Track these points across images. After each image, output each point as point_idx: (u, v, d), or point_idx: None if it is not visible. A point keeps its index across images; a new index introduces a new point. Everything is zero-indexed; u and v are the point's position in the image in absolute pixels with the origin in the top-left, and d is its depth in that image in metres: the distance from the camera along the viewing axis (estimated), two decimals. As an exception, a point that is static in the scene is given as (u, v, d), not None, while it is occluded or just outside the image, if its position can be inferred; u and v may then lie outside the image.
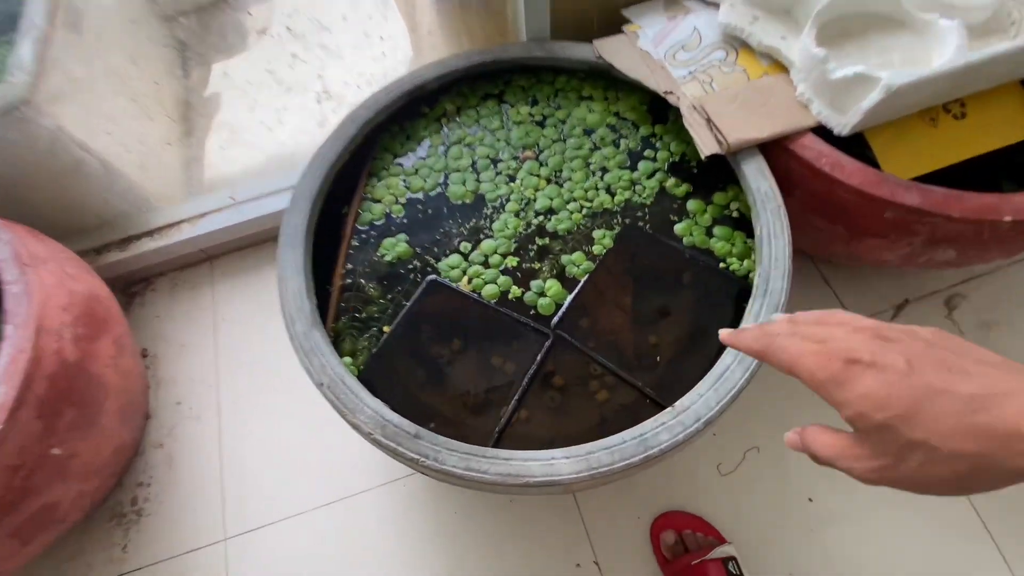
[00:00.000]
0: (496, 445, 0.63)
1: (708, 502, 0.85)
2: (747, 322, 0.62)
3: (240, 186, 1.13)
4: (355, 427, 0.60)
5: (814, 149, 0.73)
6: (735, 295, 0.70)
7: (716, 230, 0.75)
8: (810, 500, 0.84)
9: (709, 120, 0.75)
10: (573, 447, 0.57)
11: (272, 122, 1.27)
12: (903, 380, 0.24)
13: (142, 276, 1.17)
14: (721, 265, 0.72)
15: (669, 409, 0.58)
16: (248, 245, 1.18)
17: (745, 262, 0.72)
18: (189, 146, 1.25)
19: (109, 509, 0.94)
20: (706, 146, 0.74)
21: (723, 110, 0.76)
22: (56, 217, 1.02)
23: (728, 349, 0.61)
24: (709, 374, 0.60)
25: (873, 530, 0.81)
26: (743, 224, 0.75)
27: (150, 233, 1.10)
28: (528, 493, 0.57)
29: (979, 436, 0.22)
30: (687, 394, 0.59)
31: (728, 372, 0.59)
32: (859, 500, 0.84)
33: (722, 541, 0.78)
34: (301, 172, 0.79)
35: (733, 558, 0.76)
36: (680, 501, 0.85)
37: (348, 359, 0.69)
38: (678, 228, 0.75)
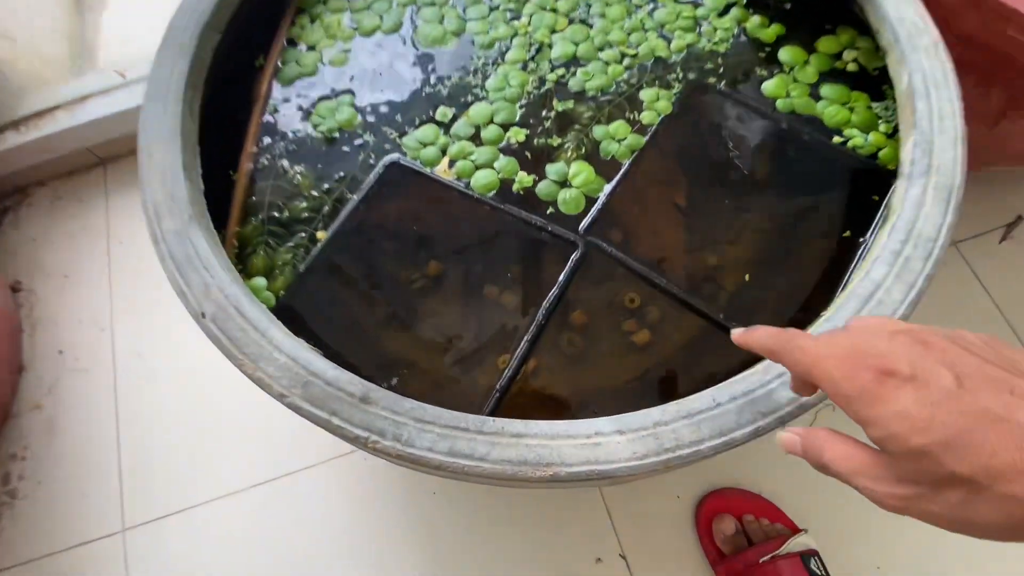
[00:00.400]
0: (495, 412, 0.40)
1: (767, 475, 0.65)
2: (903, 214, 0.39)
3: (136, 59, 0.82)
4: (259, 383, 0.35)
5: (981, -37, 0.48)
6: (860, 183, 0.46)
7: (825, 90, 0.49)
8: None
9: (826, -88, 0.49)
10: (627, 415, 0.34)
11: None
12: (950, 400, 0.20)
13: (13, 186, 0.88)
14: (836, 140, 0.48)
15: (788, 352, 0.35)
16: (154, 146, 0.88)
17: (871, 135, 0.47)
18: (76, 4, 0.92)
19: (-33, 491, 0.70)
20: (821, -48, 0.48)
21: (847, -103, 0.49)
22: None
23: (876, 256, 0.38)
24: (848, 295, 0.37)
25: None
26: (864, 82, 0.50)
27: (15, 124, 0.80)
28: (556, 487, 0.34)
29: None
30: (815, 325, 0.36)
31: (880, 291, 0.36)
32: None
33: (795, 530, 0.58)
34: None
35: (814, 552, 0.56)
36: (732, 476, 0.65)
37: (259, 280, 0.44)
38: (768, 87, 0.50)
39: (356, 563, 0.64)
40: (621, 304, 0.45)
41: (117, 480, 0.69)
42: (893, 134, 0.47)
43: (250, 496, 0.66)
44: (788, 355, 0.25)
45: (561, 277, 0.44)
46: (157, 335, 0.76)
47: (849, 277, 0.42)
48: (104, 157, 0.88)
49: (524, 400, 0.42)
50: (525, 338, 0.42)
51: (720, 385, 0.34)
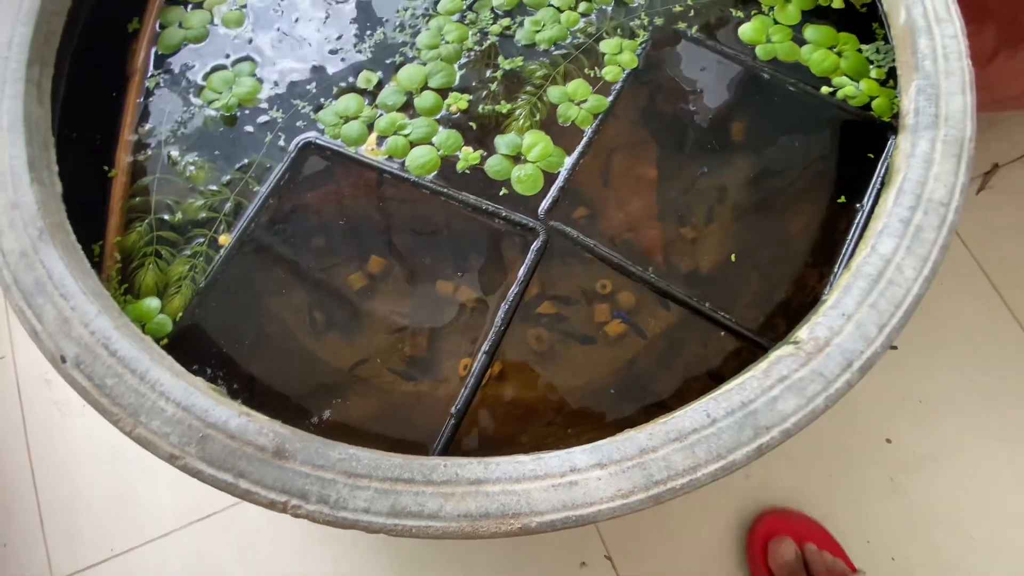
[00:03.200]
0: (456, 432, 0.34)
1: (804, 485, 0.61)
2: (909, 174, 0.33)
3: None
4: (142, 443, 0.28)
5: None
6: (854, 138, 0.40)
7: (809, 32, 0.43)
8: (888, 441, 0.63)
9: None
10: (607, 442, 0.28)
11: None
12: None
13: None
14: (824, 90, 0.41)
15: (790, 347, 0.30)
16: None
17: (864, 83, 0.41)
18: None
19: None
20: None
21: None
22: None
23: (881, 227, 0.32)
24: (853, 275, 0.31)
25: (971, 474, 0.61)
26: (852, 21, 0.44)
27: None
28: (531, 534, 0.28)
29: None
30: (816, 315, 0.31)
31: (892, 270, 0.31)
32: (950, 436, 0.62)
33: (854, 570, 0.54)
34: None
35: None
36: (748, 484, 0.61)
37: (151, 302, 0.36)
38: (745, 31, 0.43)
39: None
40: (592, 292, 0.39)
41: (39, 527, 0.61)
42: (886, 81, 0.41)
43: (189, 534, 0.59)
44: None
45: (521, 272, 0.37)
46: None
47: (848, 250, 0.36)
48: None
49: (490, 411, 0.36)
50: (483, 346, 0.36)
51: (714, 395, 0.29)
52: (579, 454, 0.27)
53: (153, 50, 0.43)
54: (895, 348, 0.67)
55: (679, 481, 0.27)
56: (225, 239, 0.38)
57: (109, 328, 0.29)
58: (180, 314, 0.36)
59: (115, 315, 0.31)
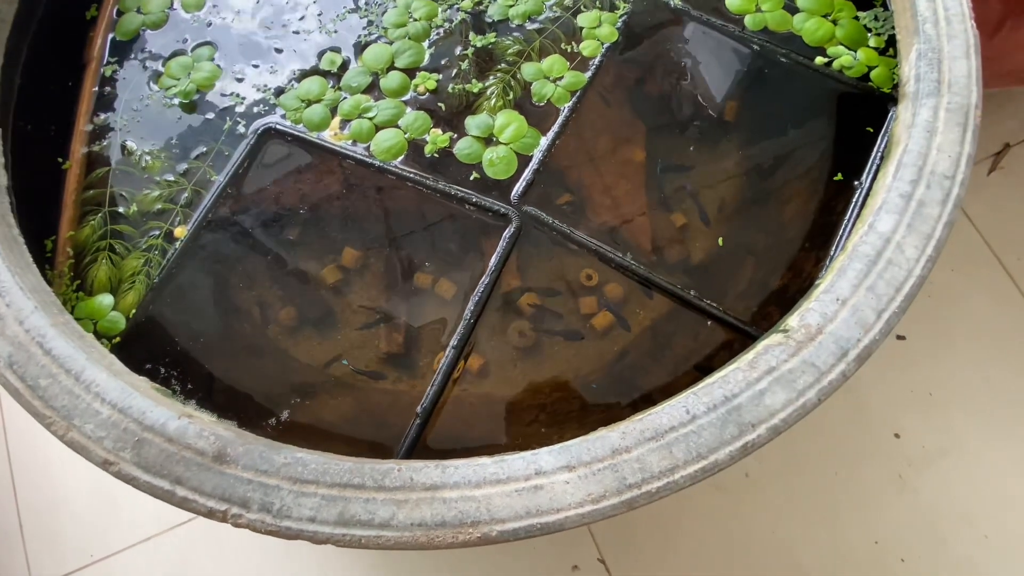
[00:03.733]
0: (421, 435, 0.31)
1: (759, 457, 0.58)
2: (910, 145, 0.30)
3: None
4: (74, 447, 0.26)
5: None
6: (851, 112, 0.37)
7: (802, 0, 0.40)
8: (896, 436, 0.59)
9: None
10: (577, 442, 0.26)
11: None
12: None
13: None
14: (819, 60, 0.39)
15: (780, 336, 0.27)
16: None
17: (861, 52, 0.38)
18: None
19: None
20: None
21: None
22: None
23: (880, 203, 0.29)
24: (849, 257, 0.28)
25: (983, 469, 0.58)
26: (848, -14, 0.41)
27: None
28: (491, 543, 0.26)
29: None
30: (808, 300, 0.28)
31: (892, 249, 0.28)
32: (962, 430, 0.59)
33: None
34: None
35: None
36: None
37: (104, 298, 0.34)
38: (733, 1, 0.40)
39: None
40: (577, 282, 0.36)
41: (19, 535, 0.59)
42: (886, 50, 0.38)
43: (171, 538, 0.57)
44: None
45: (492, 261, 0.35)
46: (47, 360, 0.65)
47: (846, 231, 0.33)
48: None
49: (466, 410, 0.34)
50: (452, 341, 0.34)
51: (695, 389, 0.26)
52: (546, 455, 0.25)
53: (110, 36, 0.41)
54: (903, 338, 0.64)
55: (654, 484, 0.24)
56: (181, 231, 0.36)
57: (46, 325, 0.27)
58: (133, 311, 0.34)
59: (54, 312, 0.29)
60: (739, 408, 0.25)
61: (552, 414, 0.35)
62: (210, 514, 0.24)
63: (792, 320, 0.28)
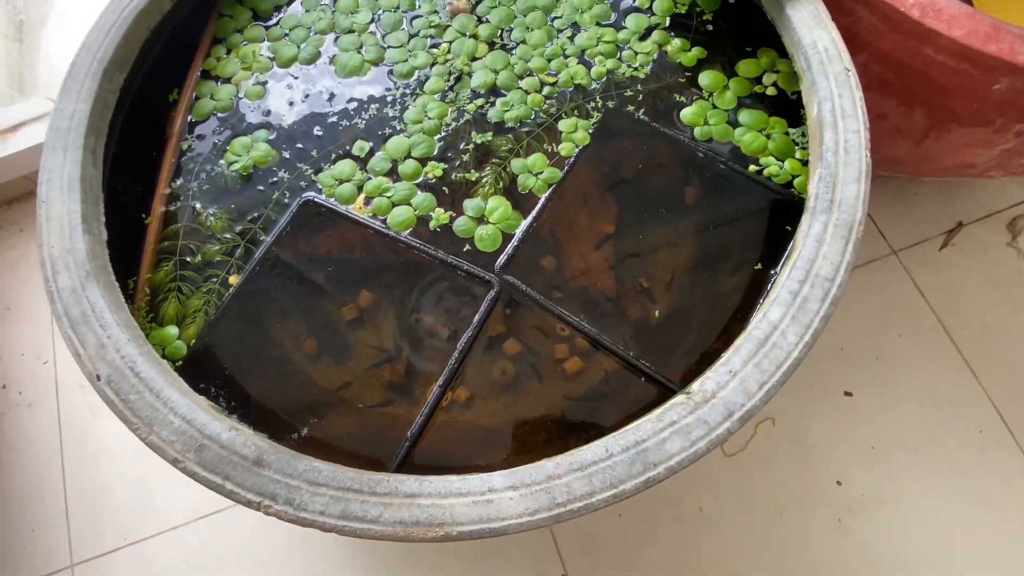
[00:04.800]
0: (409, 455, 0.40)
1: (709, 488, 0.65)
2: (803, 252, 0.39)
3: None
4: (153, 448, 0.35)
5: (897, -15, 0.47)
6: (775, 213, 0.46)
7: (744, 116, 0.49)
8: (839, 483, 0.66)
9: (739, -65, 0.48)
10: (523, 468, 0.34)
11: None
12: None
13: (-51, 215, 0.85)
14: (752, 168, 0.47)
15: (682, 396, 0.35)
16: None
17: (788, 163, 0.47)
18: (15, 29, 0.89)
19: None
20: (734, -23, 0.47)
21: (761, -81, 0.48)
22: None
23: (775, 297, 0.38)
24: (745, 337, 0.37)
25: (920, 518, 0.64)
26: (783, 106, 0.50)
27: (-64, 152, 0.78)
28: (452, 541, 0.35)
29: None
30: (710, 370, 0.36)
31: (776, 334, 0.36)
32: (901, 481, 0.65)
33: None
34: (88, 29, 0.48)
35: None
36: (675, 493, 0.66)
37: (171, 329, 0.43)
38: (687, 114, 0.50)
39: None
40: (555, 333, 0.45)
41: (64, 515, 0.69)
42: (808, 162, 0.47)
43: (196, 528, 0.66)
44: None
45: (476, 317, 0.44)
46: (100, 366, 0.75)
47: (754, 314, 0.42)
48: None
49: (454, 431, 0.43)
50: (439, 380, 0.42)
51: (615, 434, 0.35)
52: (498, 477, 0.34)
53: (188, 117, 0.52)
54: (850, 395, 0.71)
55: (576, 504, 0.33)
56: (235, 279, 0.45)
57: (135, 354, 0.37)
58: (193, 340, 0.43)
59: (140, 343, 0.38)
60: (646, 451, 0.34)
61: (522, 443, 0.43)
62: (248, 504, 0.33)
63: (695, 384, 0.36)
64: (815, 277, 0.38)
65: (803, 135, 0.48)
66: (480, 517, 0.32)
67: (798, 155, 0.47)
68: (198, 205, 0.48)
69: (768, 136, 0.48)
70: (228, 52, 0.54)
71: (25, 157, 0.80)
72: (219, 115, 0.52)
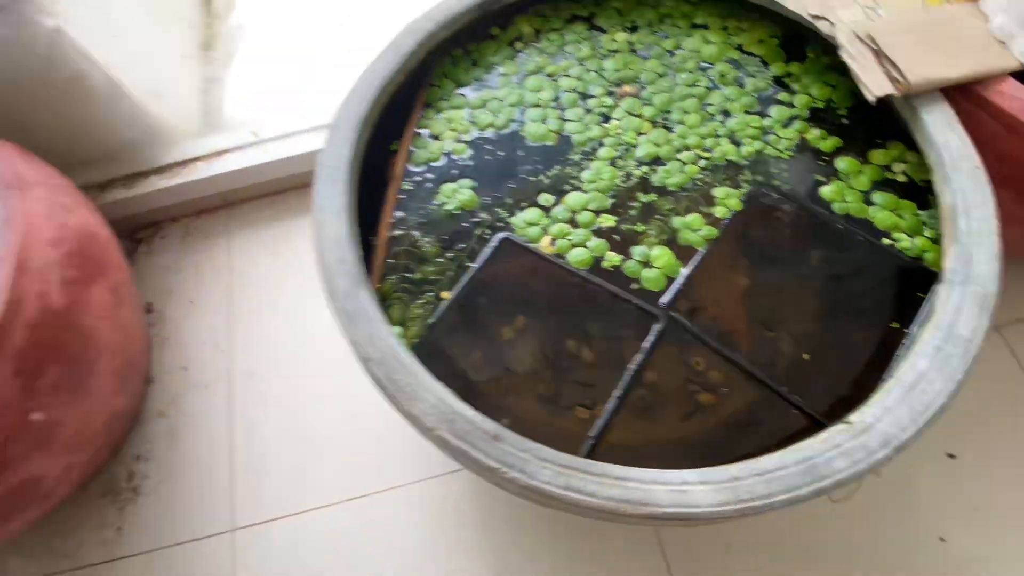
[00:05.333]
0: (589, 457, 0.48)
1: (814, 536, 0.70)
2: (943, 315, 0.46)
3: (265, 122, 0.97)
4: (411, 419, 0.45)
5: (1017, 98, 0.56)
6: (906, 280, 0.54)
7: (876, 197, 0.58)
8: (942, 540, 0.69)
9: (879, 53, 0.58)
10: (709, 469, 0.42)
11: (311, 47, 1.10)
12: None
13: (150, 220, 1.03)
14: (885, 241, 0.56)
15: (844, 426, 0.43)
16: (271, 192, 1.03)
17: (918, 239, 0.55)
18: (209, 65, 1.10)
19: (103, 483, 0.81)
20: (875, 86, 0.57)
21: (898, 41, 0.58)
22: (53, 143, 0.87)
23: (919, 350, 0.45)
24: (895, 382, 0.44)
25: (1023, 582, 0.66)
26: (912, 191, 0.58)
27: (160, 170, 0.95)
28: (646, 524, 0.42)
29: None
30: (866, 405, 0.44)
31: (923, 381, 0.43)
32: (999, 542, 0.68)
33: None
34: (347, 92, 0.63)
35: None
36: (779, 531, 0.70)
37: (397, 329, 0.54)
38: (825, 191, 0.59)
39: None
40: (690, 367, 0.53)
41: (228, 484, 0.79)
42: (938, 239, 0.55)
43: (349, 507, 0.75)
44: None
45: (645, 343, 0.53)
46: (268, 359, 0.88)
47: (893, 364, 0.49)
48: (230, 202, 1.02)
49: (611, 446, 0.50)
50: (614, 394, 0.51)
51: (786, 450, 0.42)
52: (690, 473, 0.41)
53: (406, 164, 0.65)
54: (953, 457, 0.74)
55: (759, 503, 0.40)
56: (446, 295, 0.56)
57: (395, 344, 0.48)
58: (415, 340, 0.54)
59: (396, 335, 0.49)
60: (815, 465, 0.41)
61: (673, 461, 0.50)
62: (488, 470, 0.42)
63: (854, 417, 0.43)
64: (955, 336, 0.45)
65: (932, 217, 0.56)
66: (678, 502, 0.40)
67: (927, 233, 0.55)
68: (416, 234, 0.60)
69: (899, 215, 0.56)
70: (437, 114, 0.68)
71: (221, 179, 0.96)
72: (431, 164, 0.65)
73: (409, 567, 0.73)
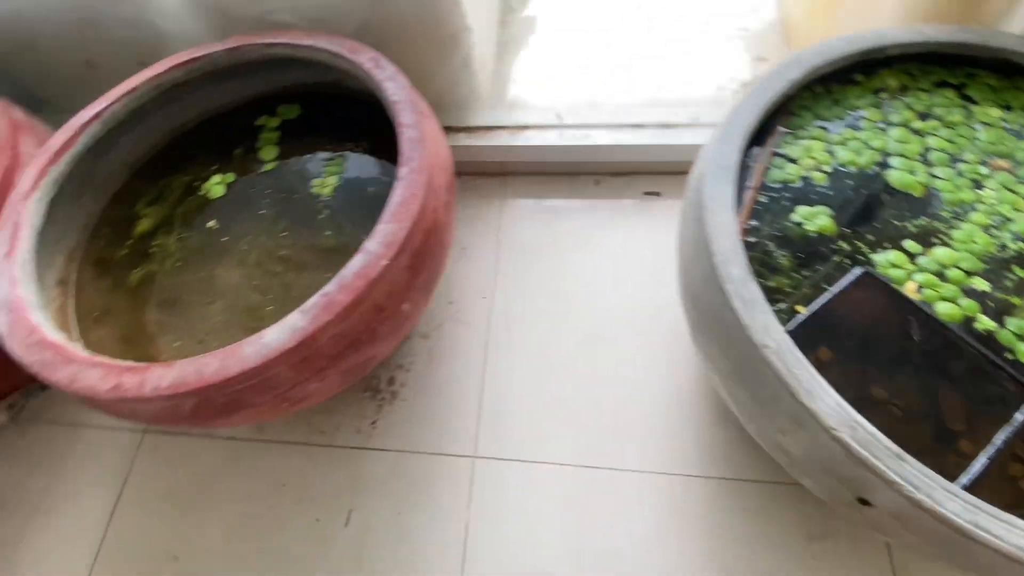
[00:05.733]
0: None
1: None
2: None
3: (569, 108, 1.08)
4: (810, 412, 0.48)
5: None
6: None
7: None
8: None
9: None
10: None
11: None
12: None
13: (433, 169, 1.17)
14: None
15: None
16: (543, 172, 1.13)
17: None
18: (506, 47, 1.22)
19: (366, 380, 0.94)
20: None
21: None
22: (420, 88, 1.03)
23: None
24: None
25: None
26: None
27: (469, 130, 1.09)
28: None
29: None
30: None
31: None
32: None
33: None
34: (736, 104, 0.68)
35: None
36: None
37: (755, 327, 0.58)
38: None
39: (638, 563, 0.74)
40: None
41: (476, 414, 0.88)
42: None
43: (581, 473, 0.81)
44: None
45: (1018, 415, 0.52)
46: (523, 314, 0.97)
47: None
48: (508, 171, 1.14)
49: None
50: (980, 456, 0.51)
51: None
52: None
53: (763, 179, 0.69)
54: None
55: None
56: (801, 309, 0.60)
57: (787, 340, 0.51)
58: (771, 342, 0.57)
59: (785, 335, 0.53)
60: None
61: None
62: (888, 483, 0.44)
63: None
64: None
65: None
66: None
67: None
68: (769, 244, 0.64)
69: None
70: (795, 140, 0.72)
71: (518, 150, 1.07)
72: (787, 184, 0.68)
73: (641, 551, 0.76)
